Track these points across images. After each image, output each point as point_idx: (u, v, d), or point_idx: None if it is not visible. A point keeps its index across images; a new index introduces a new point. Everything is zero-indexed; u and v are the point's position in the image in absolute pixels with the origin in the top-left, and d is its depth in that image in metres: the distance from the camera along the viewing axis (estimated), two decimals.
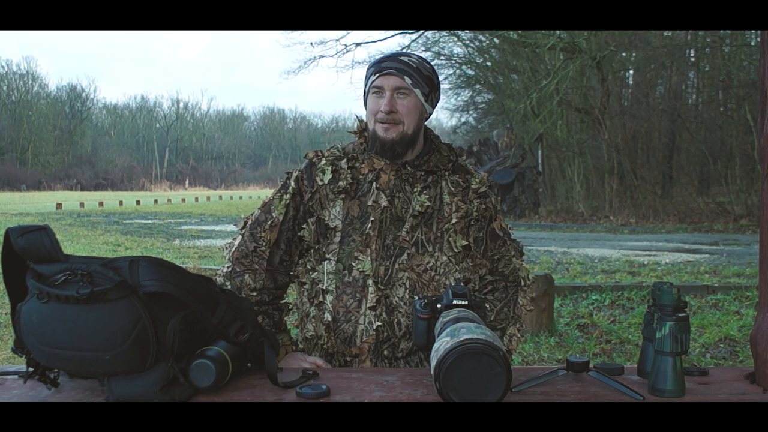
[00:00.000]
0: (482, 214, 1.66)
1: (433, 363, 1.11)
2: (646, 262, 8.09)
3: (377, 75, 1.58)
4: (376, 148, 1.60)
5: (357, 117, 1.70)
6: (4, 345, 4.62)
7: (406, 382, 1.29)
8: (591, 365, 1.31)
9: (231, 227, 14.64)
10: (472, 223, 1.65)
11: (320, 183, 1.62)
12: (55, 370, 1.21)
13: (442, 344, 1.12)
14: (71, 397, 1.20)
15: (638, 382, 1.29)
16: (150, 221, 16.86)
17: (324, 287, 1.61)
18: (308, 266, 1.64)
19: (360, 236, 1.58)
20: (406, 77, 1.57)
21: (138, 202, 27.65)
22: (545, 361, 4.15)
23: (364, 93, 1.65)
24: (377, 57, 1.67)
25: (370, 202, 1.59)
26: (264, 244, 1.61)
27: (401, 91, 1.57)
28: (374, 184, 1.60)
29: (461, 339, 1.09)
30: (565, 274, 7.20)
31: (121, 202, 27.18)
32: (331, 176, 1.61)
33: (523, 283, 1.69)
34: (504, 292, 1.68)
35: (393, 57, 1.60)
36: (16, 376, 1.31)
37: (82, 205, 24.40)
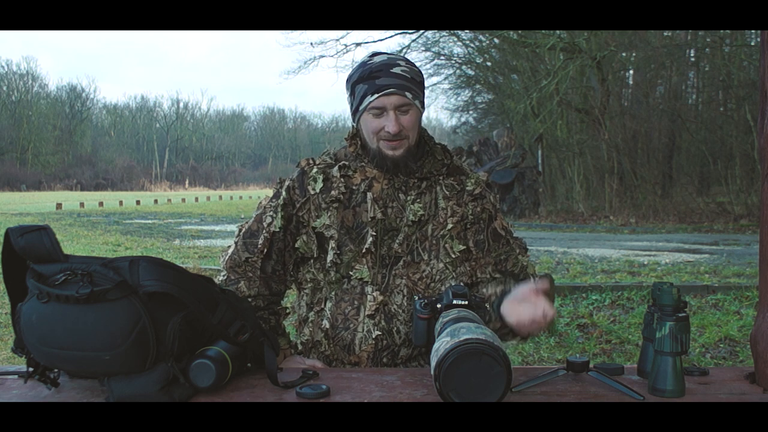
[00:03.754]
0: (479, 216, 1.62)
1: (433, 363, 1.11)
2: (646, 262, 8.09)
3: (376, 96, 1.50)
4: (386, 166, 1.56)
5: (352, 125, 1.64)
6: (4, 345, 4.62)
7: (406, 382, 1.29)
8: (591, 365, 1.31)
9: (231, 227, 14.64)
10: (468, 226, 1.61)
11: (312, 192, 1.59)
12: (55, 370, 1.21)
13: (442, 344, 1.12)
14: (71, 397, 1.20)
15: (638, 382, 1.29)
16: (150, 221, 16.86)
17: (324, 295, 1.60)
18: (308, 277, 1.63)
19: (356, 247, 1.57)
20: (407, 93, 1.51)
21: (138, 202, 27.64)
22: (545, 361, 4.14)
23: (357, 110, 1.56)
24: (363, 69, 1.54)
25: (366, 217, 1.56)
26: (255, 254, 1.59)
27: (403, 108, 1.52)
28: (368, 194, 1.58)
29: (461, 339, 1.09)
30: (565, 274, 7.19)
31: (121, 202, 27.17)
32: (322, 185, 1.58)
33: (532, 280, 1.63)
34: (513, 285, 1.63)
35: (385, 71, 1.51)
36: (16, 376, 1.31)
37: (82, 205, 24.39)
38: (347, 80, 1.59)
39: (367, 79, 1.53)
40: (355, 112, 1.58)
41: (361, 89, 1.54)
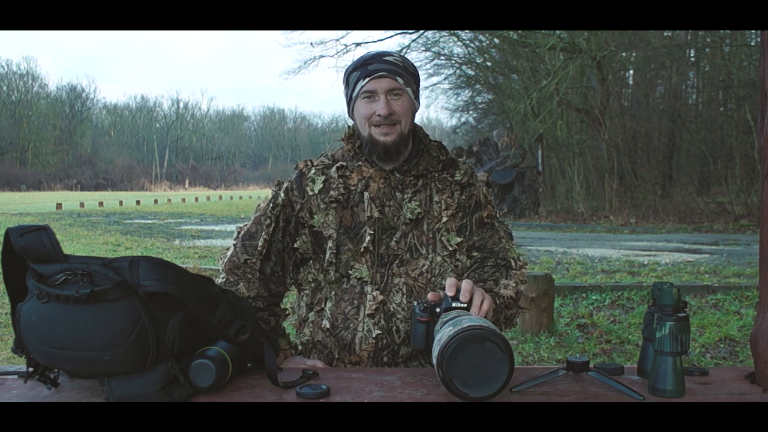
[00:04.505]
0: (465, 203, 1.63)
1: (436, 352, 1.11)
2: (646, 262, 8.09)
3: (367, 79, 1.54)
4: (378, 153, 1.57)
5: (348, 125, 1.67)
6: (4, 345, 4.62)
7: (406, 382, 1.29)
8: (591, 365, 1.31)
9: (231, 227, 14.64)
10: (454, 214, 1.61)
11: (310, 193, 1.60)
12: (55, 370, 1.21)
13: (444, 333, 1.12)
14: (71, 397, 1.20)
15: (638, 382, 1.29)
16: (150, 221, 16.86)
17: (324, 295, 1.61)
18: (309, 278, 1.63)
19: (355, 246, 1.57)
20: (398, 78, 1.54)
21: (138, 202, 27.66)
22: (545, 361, 4.14)
23: (351, 99, 1.59)
24: (357, 60, 1.59)
25: (363, 216, 1.57)
26: (254, 256, 1.59)
27: (395, 92, 1.55)
28: (365, 194, 1.59)
29: (464, 326, 1.09)
30: (565, 274, 7.20)
31: (121, 202, 27.19)
32: (321, 186, 1.60)
33: (513, 264, 1.62)
34: (494, 267, 1.62)
35: (378, 58, 1.56)
36: (16, 376, 1.31)
37: (82, 205, 24.41)
38: (344, 74, 1.63)
39: (361, 66, 1.56)
40: (350, 101, 1.61)
41: (355, 76, 1.57)
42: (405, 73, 1.56)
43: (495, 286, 1.57)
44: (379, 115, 1.54)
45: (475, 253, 1.63)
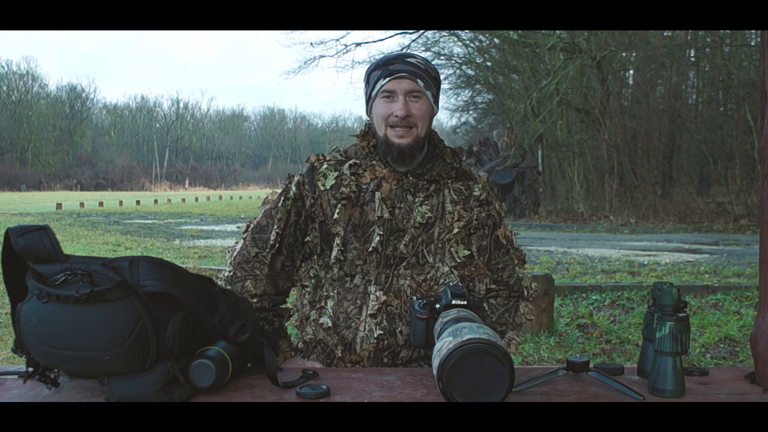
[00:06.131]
0: (484, 222, 1.63)
1: (436, 363, 1.11)
2: (646, 262, 8.09)
3: (388, 79, 1.53)
4: (392, 155, 1.56)
5: (366, 121, 1.65)
6: (4, 345, 4.62)
7: (406, 382, 1.29)
8: (591, 365, 1.31)
9: (231, 227, 14.65)
10: (472, 231, 1.62)
11: (322, 188, 1.59)
12: (55, 370, 1.21)
13: (444, 344, 1.12)
14: (71, 397, 1.20)
15: (638, 382, 1.29)
16: (150, 221, 16.86)
17: (326, 293, 1.60)
18: (311, 273, 1.63)
19: (361, 245, 1.57)
20: (418, 80, 1.54)
21: (138, 202, 27.65)
22: (545, 361, 4.14)
23: (370, 97, 1.59)
24: (380, 58, 1.60)
25: (373, 216, 1.56)
26: (265, 249, 1.58)
27: (414, 95, 1.54)
28: (377, 194, 1.57)
29: (464, 339, 1.09)
30: (565, 274, 7.19)
31: (121, 202, 27.18)
32: (333, 182, 1.58)
33: (526, 293, 1.68)
34: (507, 299, 1.68)
35: (400, 59, 1.56)
36: (16, 376, 1.31)
37: (82, 205, 24.40)
38: (365, 72, 1.63)
39: (383, 66, 1.56)
40: (369, 99, 1.60)
41: (376, 75, 1.57)
42: (426, 76, 1.56)
43: (501, 339, 1.62)
44: (396, 116, 1.53)
45: (492, 286, 1.67)
